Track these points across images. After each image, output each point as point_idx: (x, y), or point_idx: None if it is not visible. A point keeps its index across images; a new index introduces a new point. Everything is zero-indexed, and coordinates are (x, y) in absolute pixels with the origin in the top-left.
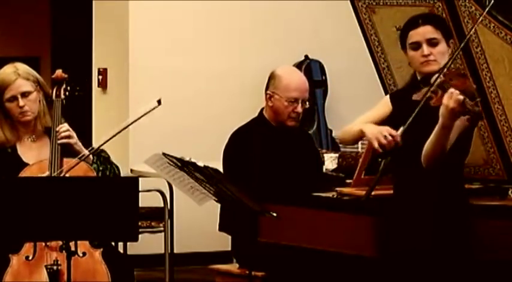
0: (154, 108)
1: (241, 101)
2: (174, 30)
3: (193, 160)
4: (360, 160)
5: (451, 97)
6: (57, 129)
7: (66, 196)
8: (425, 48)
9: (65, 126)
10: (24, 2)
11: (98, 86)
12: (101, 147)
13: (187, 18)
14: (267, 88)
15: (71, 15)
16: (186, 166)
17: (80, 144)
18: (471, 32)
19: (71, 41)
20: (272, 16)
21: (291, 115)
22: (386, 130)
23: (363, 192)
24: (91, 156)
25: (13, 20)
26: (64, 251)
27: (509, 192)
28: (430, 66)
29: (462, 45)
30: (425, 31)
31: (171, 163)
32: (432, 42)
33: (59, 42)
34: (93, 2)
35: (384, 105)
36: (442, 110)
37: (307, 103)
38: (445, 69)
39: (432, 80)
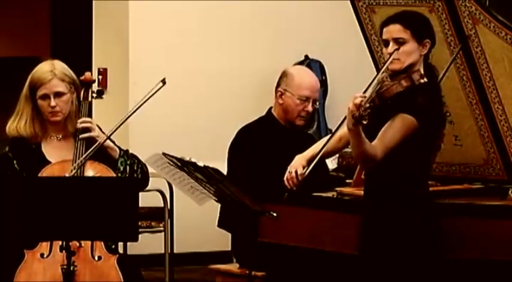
0: (159, 89)
1: (241, 101)
2: (174, 30)
3: (193, 160)
4: None
5: (351, 99)
6: (79, 122)
7: (66, 196)
8: (391, 46)
9: (87, 119)
10: (25, 2)
11: (98, 86)
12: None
13: (187, 18)
14: (278, 86)
15: (71, 15)
16: (186, 166)
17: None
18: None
19: (71, 41)
20: (272, 16)
21: (301, 114)
22: (295, 167)
23: (363, 193)
24: (117, 150)
25: (13, 20)
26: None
27: (509, 192)
28: (393, 65)
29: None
30: (393, 29)
31: (171, 163)
32: (398, 41)
33: (59, 42)
34: (93, 2)
35: None
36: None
37: (317, 103)
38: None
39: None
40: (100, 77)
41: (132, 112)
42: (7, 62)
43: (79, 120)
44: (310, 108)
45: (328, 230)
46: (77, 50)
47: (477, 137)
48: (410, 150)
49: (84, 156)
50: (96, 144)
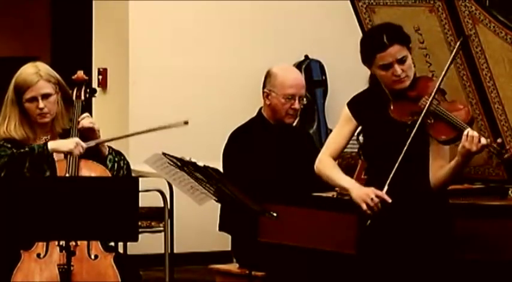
0: (177, 126)
1: (241, 101)
2: (174, 30)
3: (193, 160)
4: (360, 160)
5: (473, 141)
6: (79, 119)
7: (66, 196)
8: (398, 69)
9: (86, 114)
10: (25, 2)
11: (98, 86)
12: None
13: (187, 19)
14: (264, 86)
15: (71, 15)
16: (186, 166)
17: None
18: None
19: (71, 41)
20: (272, 16)
21: (289, 112)
22: (372, 192)
23: None
24: (107, 147)
25: (13, 20)
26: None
27: (509, 192)
28: (403, 84)
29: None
30: (394, 51)
31: (171, 163)
32: (402, 60)
33: (59, 42)
34: (93, 2)
35: (346, 122)
36: (462, 151)
37: (305, 99)
38: (435, 94)
39: (421, 103)
40: (100, 77)
41: (137, 133)
42: (7, 62)
43: (81, 118)
44: (297, 105)
45: (328, 230)
46: (77, 50)
47: None
48: None
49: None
50: (99, 140)
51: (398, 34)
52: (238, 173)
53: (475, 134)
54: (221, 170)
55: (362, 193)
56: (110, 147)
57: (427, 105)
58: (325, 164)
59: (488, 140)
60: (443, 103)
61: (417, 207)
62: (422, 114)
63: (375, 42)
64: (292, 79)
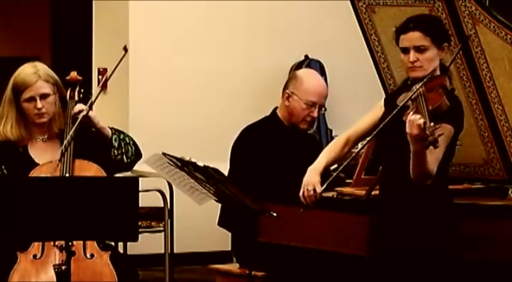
0: (123, 57)
1: (241, 101)
2: (174, 30)
3: (193, 160)
4: (360, 160)
5: (412, 124)
6: (73, 110)
7: (66, 196)
8: (412, 55)
9: (80, 105)
10: (24, 2)
11: (98, 86)
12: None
13: (187, 18)
14: (286, 87)
15: (71, 15)
16: (186, 166)
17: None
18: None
19: (71, 41)
20: (272, 16)
21: (306, 119)
22: (312, 184)
23: (363, 192)
24: (108, 129)
25: (13, 20)
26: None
27: (509, 192)
28: (415, 72)
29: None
30: (414, 37)
31: (171, 163)
32: (420, 49)
33: (59, 42)
34: (93, 2)
35: (378, 109)
36: (408, 137)
37: (323, 109)
38: (428, 79)
39: (412, 90)
40: (100, 77)
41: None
42: (7, 62)
43: (74, 109)
44: (315, 113)
45: (328, 230)
46: (77, 50)
47: (477, 137)
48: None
49: (70, 133)
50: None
51: (426, 24)
52: (245, 169)
53: (415, 117)
54: (221, 170)
55: (305, 181)
56: (112, 128)
57: (414, 92)
58: (330, 144)
59: (427, 123)
60: (428, 93)
61: (414, 204)
62: (407, 98)
63: (404, 23)
64: (317, 87)
